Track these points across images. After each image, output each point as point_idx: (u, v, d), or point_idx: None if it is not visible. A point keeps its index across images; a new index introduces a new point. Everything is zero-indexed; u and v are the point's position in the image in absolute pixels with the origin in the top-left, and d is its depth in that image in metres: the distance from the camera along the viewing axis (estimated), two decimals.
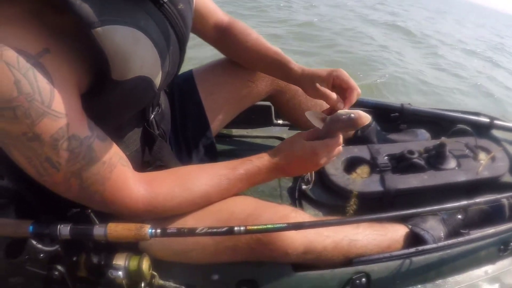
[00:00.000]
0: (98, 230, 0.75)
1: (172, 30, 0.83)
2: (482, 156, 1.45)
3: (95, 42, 0.61)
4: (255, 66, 1.34)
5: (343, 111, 0.97)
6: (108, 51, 0.63)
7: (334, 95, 1.06)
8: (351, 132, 1.54)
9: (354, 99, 1.05)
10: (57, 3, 0.57)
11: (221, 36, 1.28)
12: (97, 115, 0.72)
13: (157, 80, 0.80)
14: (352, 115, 0.94)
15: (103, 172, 0.73)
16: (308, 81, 1.14)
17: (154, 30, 0.74)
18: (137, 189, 0.81)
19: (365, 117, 0.95)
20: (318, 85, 1.10)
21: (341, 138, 0.99)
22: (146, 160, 1.00)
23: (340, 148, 1.01)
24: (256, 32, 1.29)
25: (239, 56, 1.32)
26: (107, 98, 0.72)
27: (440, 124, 1.67)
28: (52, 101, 0.61)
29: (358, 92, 1.07)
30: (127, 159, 0.82)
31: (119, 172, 0.77)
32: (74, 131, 0.66)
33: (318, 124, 1.01)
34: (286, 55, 1.24)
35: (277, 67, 1.24)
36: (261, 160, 0.98)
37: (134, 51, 0.68)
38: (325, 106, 1.12)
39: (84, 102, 0.69)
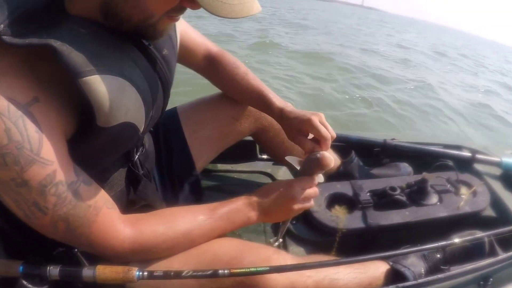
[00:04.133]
0: (87, 272, 0.77)
1: (157, 76, 0.87)
2: (464, 191, 1.48)
3: (82, 91, 0.64)
4: (242, 100, 1.37)
5: (314, 153, 1.03)
6: (94, 100, 0.66)
7: (308, 144, 1.08)
8: (334, 168, 1.57)
9: (327, 146, 1.07)
10: (47, 54, 0.61)
11: (210, 66, 1.31)
12: (82, 159, 0.75)
13: (141, 125, 0.83)
14: (318, 155, 1.01)
15: (89, 215, 0.76)
16: (286, 125, 1.19)
17: (138, 78, 0.77)
18: (123, 230, 0.83)
19: (328, 159, 1.01)
20: (295, 133, 1.14)
21: (315, 178, 1.05)
22: (131, 199, 1.02)
23: (316, 189, 1.06)
24: (245, 66, 1.33)
25: (227, 87, 1.36)
26: (92, 143, 0.75)
27: (423, 158, 1.70)
28: (41, 148, 0.64)
29: (333, 136, 1.08)
30: (112, 201, 0.84)
31: (105, 215, 0.79)
32: (61, 177, 0.68)
33: (297, 166, 1.07)
34: (271, 92, 1.27)
35: (262, 105, 1.28)
36: (241, 199, 1.02)
37: (119, 99, 0.71)
38: None
39: (70, 147, 0.72)
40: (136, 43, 0.80)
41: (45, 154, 0.65)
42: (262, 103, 1.27)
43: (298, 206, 1.04)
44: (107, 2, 0.69)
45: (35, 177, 0.65)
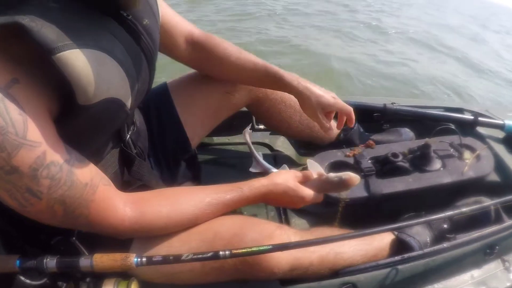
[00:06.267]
0: (84, 262, 0.74)
1: (139, 48, 0.82)
2: (467, 155, 1.44)
3: (57, 68, 0.60)
4: (241, 81, 1.31)
5: (334, 174, 1.04)
6: (71, 76, 0.61)
7: (327, 126, 1.18)
8: (334, 135, 1.53)
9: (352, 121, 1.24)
10: (19, 33, 0.56)
11: (195, 50, 1.23)
12: (70, 141, 0.70)
13: (128, 100, 0.78)
14: (344, 177, 1.02)
15: (86, 194, 0.72)
16: (311, 100, 1.18)
17: (118, 50, 0.73)
18: (123, 208, 0.80)
19: (355, 178, 1.03)
20: (319, 113, 1.19)
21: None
22: (126, 180, 0.98)
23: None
24: (235, 46, 1.26)
25: (220, 70, 1.27)
26: (76, 123, 0.70)
27: (424, 122, 1.66)
28: (27, 131, 0.60)
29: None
30: (108, 179, 0.81)
31: (102, 193, 0.76)
32: (52, 157, 0.64)
33: (315, 173, 1.08)
34: (276, 67, 1.22)
35: (271, 81, 1.23)
36: (250, 189, 0.97)
37: (99, 74, 0.66)
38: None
39: (57, 128, 0.67)
40: (113, 15, 0.75)
41: (31, 136, 0.61)
42: (272, 79, 1.22)
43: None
44: None
45: (25, 161, 0.61)
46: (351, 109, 1.18)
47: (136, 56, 0.80)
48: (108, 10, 0.74)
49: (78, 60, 0.62)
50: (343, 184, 1.03)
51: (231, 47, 1.23)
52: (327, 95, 1.20)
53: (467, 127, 1.61)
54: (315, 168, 1.09)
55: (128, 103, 0.79)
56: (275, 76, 1.20)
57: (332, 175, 1.03)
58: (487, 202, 1.17)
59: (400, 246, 1.11)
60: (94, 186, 0.73)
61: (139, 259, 0.76)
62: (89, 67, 0.64)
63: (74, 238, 0.82)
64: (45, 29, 0.57)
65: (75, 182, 0.69)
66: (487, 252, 1.14)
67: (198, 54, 1.23)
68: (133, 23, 0.80)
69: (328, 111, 1.17)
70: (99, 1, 0.71)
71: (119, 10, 0.76)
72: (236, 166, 1.00)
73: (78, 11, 0.67)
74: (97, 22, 0.71)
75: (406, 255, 1.05)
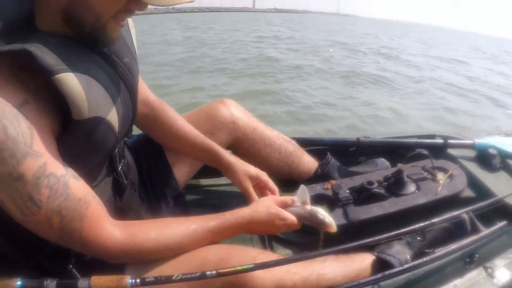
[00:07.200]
0: (83, 284, 0.79)
1: (120, 79, 0.96)
2: (440, 176, 1.49)
3: (56, 87, 0.73)
4: (182, 149, 1.38)
5: (322, 211, 1.11)
6: (67, 94, 0.74)
7: (255, 198, 1.25)
8: (312, 172, 1.59)
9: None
10: (25, 63, 0.70)
11: (149, 113, 1.33)
12: (68, 158, 0.81)
13: (115, 123, 0.90)
14: (327, 220, 1.09)
15: (80, 209, 0.80)
16: (239, 172, 1.30)
17: (103, 78, 0.87)
18: (113, 229, 0.87)
19: (333, 227, 1.09)
20: (248, 182, 1.29)
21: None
22: (119, 207, 1.07)
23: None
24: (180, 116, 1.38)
25: (165, 136, 1.37)
26: (72, 139, 0.81)
27: (398, 151, 1.72)
28: (33, 142, 0.72)
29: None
30: (100, 201, 0.88)
31: (94, 210, 0.84)
32: (51, 169, 0.75)
33: (299, 203, 1.15)
34: (214, 143, 1.34)
35: (208, 154, 1.33)
36: (234, 217, 1.04)
37: (89, 92, 0.78)
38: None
39: (57, 146, 0.79)
40: (98, 53, 0.90)
41: (36, 147, 0.72)
42: (209, 152, 1.33)
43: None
44: (67, 8, 0.78)
45: (29, 169, 0.71)
46: (275, 187, 1.30)
47: (118, 85, 0.94)
48: (92, 47, 0.88)
49: (72, 81, 0.75)
50: (322, 224, 1.09)
51: (180, 119, 1.37)
52: (256, 170, 1.32)
53: (439, 151, 1.68)
54: (304, 195, 1.15)
55: (116, 126, 0.90)
56: (212, 148, 1.33)
57: (321, 211, 1.10)
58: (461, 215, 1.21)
59: (381, 266, 1.13)
60: (87, 202, 0.82)
61: (133, 281, 0.81)
62: (81, 87, 0.76)
63: (71, 266, 0.91)
64: (46, 56, 0.71)
65: (70, 195, 0.78)
66: (467, 261, 1.16)
67: (151, 117, 1.33)
68: (115, 60, 0.95)
69: (255, 181, 1.28)
70: (84, 39, 0.84)
71: (100, 47, 0.91)
72: (222, 206, 1.05)
73: (70, 46, 0.81)
74: (86, 55, 0.85)
75: (387, 272, 1.07)
